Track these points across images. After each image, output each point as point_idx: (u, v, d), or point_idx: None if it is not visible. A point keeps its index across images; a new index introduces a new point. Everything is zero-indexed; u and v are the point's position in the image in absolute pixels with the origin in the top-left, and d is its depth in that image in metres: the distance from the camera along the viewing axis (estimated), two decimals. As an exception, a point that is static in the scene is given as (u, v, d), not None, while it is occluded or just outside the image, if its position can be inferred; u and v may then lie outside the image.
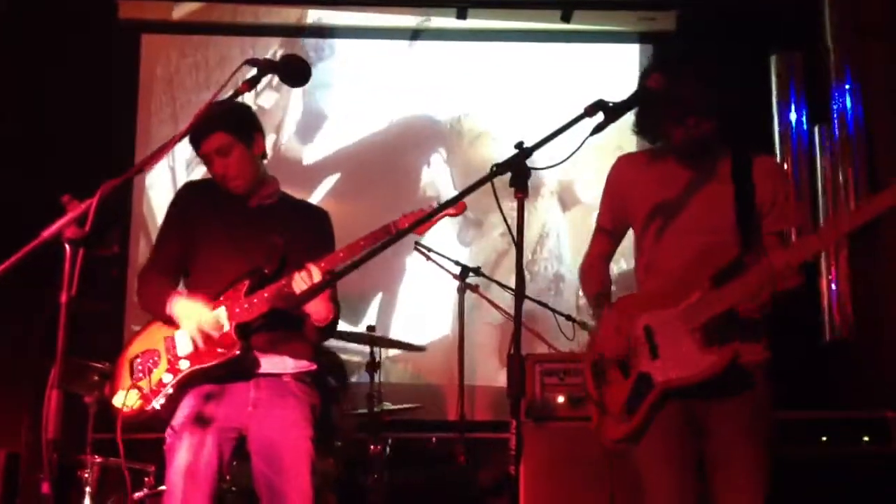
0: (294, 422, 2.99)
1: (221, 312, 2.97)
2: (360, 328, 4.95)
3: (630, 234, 2.95)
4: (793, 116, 5.59)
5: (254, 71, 2.45)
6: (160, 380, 2.97)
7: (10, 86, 5.61)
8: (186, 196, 3.23)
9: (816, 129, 5.49)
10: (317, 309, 2.96)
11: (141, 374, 3.01)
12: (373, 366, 4.59)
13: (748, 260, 2.59)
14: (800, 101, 5.60)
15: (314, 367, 3.12)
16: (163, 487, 4.04)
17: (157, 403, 2.94)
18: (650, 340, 2.69)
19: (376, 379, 4.58)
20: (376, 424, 4.54)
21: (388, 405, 4.68)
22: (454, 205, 2.65)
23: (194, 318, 2.95)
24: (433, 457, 5.08)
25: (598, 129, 2.39)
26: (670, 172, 2.81)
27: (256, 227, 3.10)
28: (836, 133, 5.26)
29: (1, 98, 5.60)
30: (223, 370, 2.96)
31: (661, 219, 2.78)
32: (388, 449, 4.55)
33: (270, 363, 3.02)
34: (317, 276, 2.90)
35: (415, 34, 6.03)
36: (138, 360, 3.04)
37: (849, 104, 5.22)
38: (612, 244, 3.01)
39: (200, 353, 2.96)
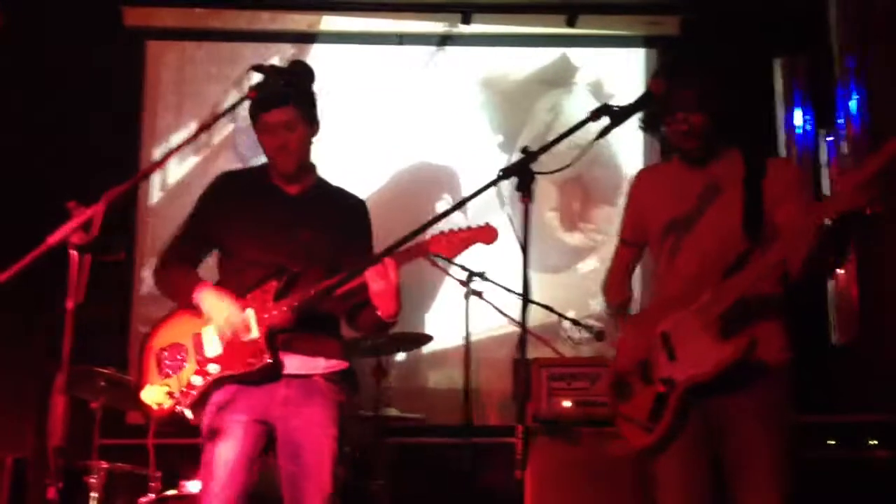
0: (319, 421, 2.96)
1: (250, 316, 2.93)
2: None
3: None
4: (797, 120, 5.59)
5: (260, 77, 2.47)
6: (189, 381, 2.95)
7: (16, 92, 5.63)
8: (224, 185, 3.18)
9: (821, 133, 5.49)
10: (385, 304, 2.88)
11: (169, 371, 2.97)
12: (379, 370, 4.59)
13: (755, 250, 2.62)
14: (805, 105, 5.60)
15: (346, 364, 3.08)
16: (171, 492, 4.09)
17: (187, 406, 2.92)
18: (667, 345, 2.72)
19: (382, 383, 4.58)
20: (382, 429, 4.54)
21: (394, 411, 4.68)
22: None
23: (223, 314, 2.92)
24: (439, 462, 5.08)
25: (603, 133, 2.41)
26: (683, 183, 2.84)
27: (289, 219, 3.05)
28: (842, 136, 5.25)
29: (7, 104, 5.62)
30: (254, 377, 2.93)
31: (675, 230, 2.82)
32: (393, 454, 4.55)
33: (302, 364, 2.98)
34: (393, 273, 2.85)
35: (442, 40, 6.02)
36: (165, 353, 3.00)
37: (854, 107, 5.21)
38: (634, 256, 3.07)
39: (230, 360, 2.93)
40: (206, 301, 2.95)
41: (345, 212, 3.17)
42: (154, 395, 2.94)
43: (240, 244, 3.05)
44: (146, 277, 5.39)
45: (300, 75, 2.85)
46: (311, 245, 3.02)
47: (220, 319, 2.92)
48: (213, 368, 2.94)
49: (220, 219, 3.10)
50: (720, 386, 2.61)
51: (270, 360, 2.90)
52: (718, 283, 2.63)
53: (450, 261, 2.94)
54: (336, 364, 3.04)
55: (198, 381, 2.94)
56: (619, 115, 2.43)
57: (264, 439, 2.96)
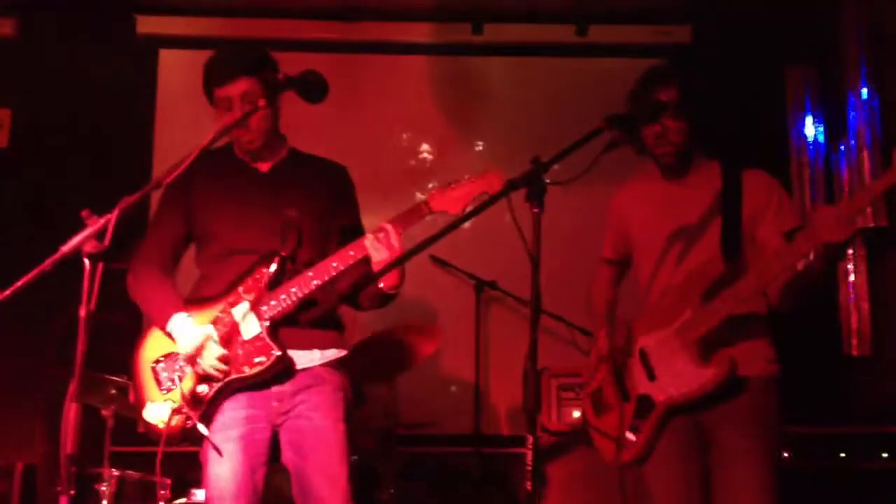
0: (323, 408, 2.75)
1: (247, 316, 2.71)
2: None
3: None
4: (809, 130, 5.57)
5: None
6: (194, 391, 2.73)
7: (29, 101, 5.66)
8: (189, 169, 2.73)
9: (833, 142, 5.47)
10: (390, 275, 2.70)
11: (171, 384, 2.76)
12: (388, 378, 4.58)
13: (734, 272, 2.60)
14: (816, 115, 5.59)
15: (344, 352, 2.88)
16: (180, 501, 4.09)
17: (197, 418, 2.70)
18: (645, 363, 2.73)
19: (390, 392, 4.58)
20: (390, 439, 4.53)
21: (402, 419, 4.67)
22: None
23: (201, 353, 2.69)
24: (448, 471, 5.07)
25: (613, 145, 2.41)
26: (662, 197, 2.85)
27: (269, 197, 2.84)
28: (853, 145, 5.23)
29: (22, 113, 5.65)
30: (265, 376, 2.72)
31: (655, 245, 2.82)
32: (401, 463, 4.54)
33: (299, 359, 2.78)
34: (395, 237, 2.66)
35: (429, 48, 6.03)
36: (161, 365, 2.80)
37: (866, 116, 5.19)
38: (615, 273, 3.08)
39: (235, 362, 2.71)
40: (180, 335, 2.74)
41: (327, 180, 2.96)
42: (158, 412, 2.74)
43: (219, 230, 2.84)
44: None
45: (258, 51, 2.81)
46: (299, 223, 2.80)
47: (201, 358, 2.70)
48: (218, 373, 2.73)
49: (194, 205, 2.87)
50: (707, 400, 2.62)
51: (280, 353, 2.70)
52: (699, 304, 2.63)
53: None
54: (334, 353, 2.85)
55: (203, 388, 2.73)
56: (633, 124, 2.45)
57: (266, 446, 2.77)
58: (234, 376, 2.72)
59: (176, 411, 2.72)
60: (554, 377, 4.21)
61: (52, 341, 4.86)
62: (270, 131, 2.89)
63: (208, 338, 2.72)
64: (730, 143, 2.86)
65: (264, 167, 2.92)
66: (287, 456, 2.76)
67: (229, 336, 2.74)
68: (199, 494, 4.01)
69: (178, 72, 5.88)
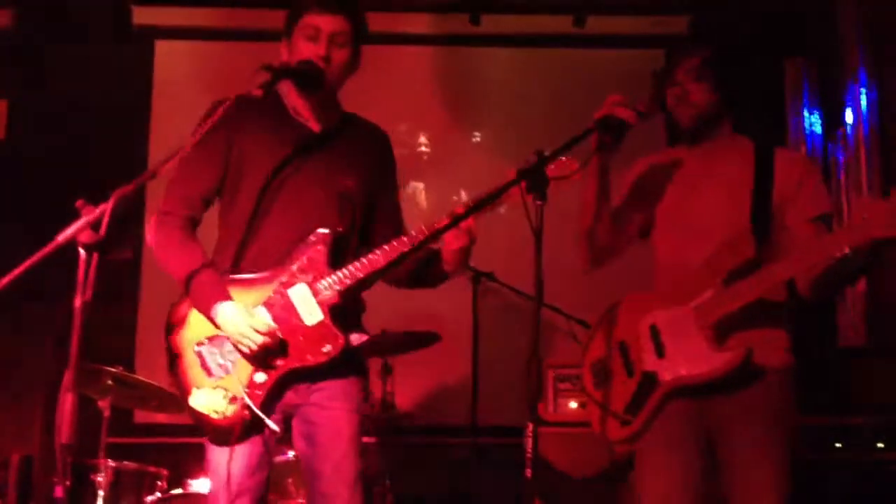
0: (334, 394, 2.58)
1: (307, 299, 2.49)
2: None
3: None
4: (807, 122, 5.57)
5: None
6: (252, 379, 2.48)
7: (24, 93, 5.65)
8: (236, 112, 2.42)
9: (831, 134, 5.47)
10: (459, 260, 2.59)
11: (222, 371, 2.51)
12: (384, 369, 4.59)
13: (763, 258, 2.54)
14: (815, 106, 5.58)
15: (366, 337, 2.67)
16: (176, 491, 4.09)
17: (257, 408, 2.45)
18: (655, 339, 2.65)
19: (388, 382, 4.58)
20: (387, 429, 4.54)
21: (399, 410, 4.68)
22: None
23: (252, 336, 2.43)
24: (444, 462, 5.08)
25: (602, 146, 2.42)
26: (689, 168, 2.76)
27: (322, 162, 2.61)
28: (851, 138, 5.23)
29: (18, 104, 5.64)
30: (331, 364, 2.51)
31: (678, 216, 2.74)
32: (398, 453, 4.55)
33: None
34: (474, 228, 2.53)
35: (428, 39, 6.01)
36: (206, 348, 2.53)
37: (864, 109, 5.19)
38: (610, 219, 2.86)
39: (296, 349, 2.49)
40: (228, 323, 2.45)
41: (380, 150, 2.79)
42: (208, 400, 2.49)
43: (263, 190, 2.55)
44: (153, 275, 5.40)
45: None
46: (353, 195, 2.63)
47: (250, 344, 2.45)
48: (276, 362, 2.50)
49: (238, 156, 2.58)
50: (717, 387, 2.55)
51: (344, 340, 2.50)
52: (722, 286, 2.55)
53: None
54: (357, 337, 2.64)
55: (261, 377, 2.49)
56: (614, 132, 2.45)
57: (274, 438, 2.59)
58: (297, 365, 2.50)
59: (232, 401, 2.48)
60: (551, 368, 4.21)
61: (49, 332, 4.86)
62: (342, 79, 2.67)
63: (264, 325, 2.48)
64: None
65: (316, 126, 2.66)
66: (299, 447, 2.61)
67: (286, 320, 2.50)
68: (196, 486, 4.01)
69: (174, 62, 5.88)
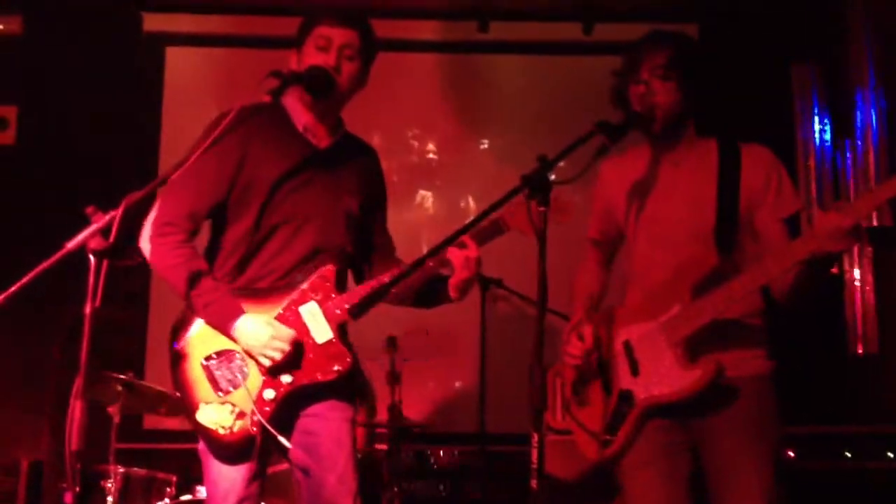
0: (332, 404, 2.58)
1: (317, 317, 2.51)
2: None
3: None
4: (815, 128, 5.56)
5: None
6: (261, 395, 2.47)
7: (37, 98, 5.68)
8: (241, 126, 2.47)
9: (839, 141, 5.46)
10: (466, 289, 2.63)
11: (230, 386, 2.49)
12: (392, 376, 4.58)
13: (733, 264, 2.50)
14: (823, 113, 5.57)
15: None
16: (185, 497, 4.09)
17: (266, 424, 2.44)
18: (630, 356, 2.60)
19: (395, 389, 4.58)
20: (395, 436, 4.53)
21: (407, 417, 4.67)
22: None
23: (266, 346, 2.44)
24: (452, 469, 5.07)
25: (603, 150, 2.40)
26: (652, 174, 2.68)
27: (328, 179, 2.61)
28: (860, 144, 5.22)
29: (28, 110, 5.67)
30: (339, 381, 2.54)
31: (644, 225, 2.68)
32: (406, 461, 4.54)
33: None
34: (473, 253, 2.55)
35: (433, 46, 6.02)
36: (214, 363, 2.52)
37: (873, 114, 5.18)
38: (601, 256, 2.91)
39: (306, 367, 2.50)
40: (250, 338, 2.46)
41: (372, 168, 2.81)
42: (215, 415, 2.48)
43: (270, 204, 2.55)
44: (163, 282, 5.41)
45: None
46: (356, 214, 2.65)
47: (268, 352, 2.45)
48: (286, 378, 2.50)
49: (247, 166, 2.56)
50: (694, 404, 2.49)
51: (352, 359, 2.54)
52: (688, 300, 2.49)
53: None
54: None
55: (270, 394, 2.48)
56: (618, 130, 2.43)
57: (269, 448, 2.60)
58: (307, 382, 2.51)
59: (239, 416, 2.48)
60: (559, 375, 4.19)
61: (58, 338, 4.87)
62: (349, 93, 2.69)
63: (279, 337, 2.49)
64: (733, 127, 2.75)
65: (322, 142, 2.67)
66: (296, 456, 2.58)
67: (297, 337, 2.51)
68: (204, 491, 4.01)
69: (185, 69, 5.89)
